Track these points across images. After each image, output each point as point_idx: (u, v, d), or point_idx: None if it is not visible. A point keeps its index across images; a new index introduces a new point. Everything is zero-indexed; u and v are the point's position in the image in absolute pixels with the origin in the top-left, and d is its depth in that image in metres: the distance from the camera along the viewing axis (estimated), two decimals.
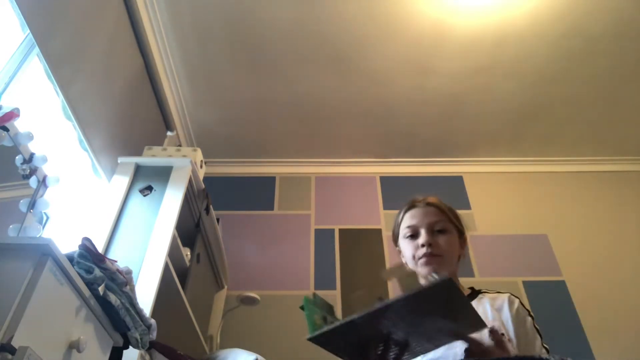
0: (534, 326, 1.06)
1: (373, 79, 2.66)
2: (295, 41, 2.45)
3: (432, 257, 1.11)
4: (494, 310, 1.07)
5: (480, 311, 1.05)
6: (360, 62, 2.56)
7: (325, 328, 0.77)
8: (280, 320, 2.47)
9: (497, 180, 3.17)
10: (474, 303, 1.08)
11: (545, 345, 1.04)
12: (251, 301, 2.35)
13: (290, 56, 2.53)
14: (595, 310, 2.53)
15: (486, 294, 1.14)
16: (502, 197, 3.08)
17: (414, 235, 1.17)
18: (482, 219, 2.93)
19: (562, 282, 2.65)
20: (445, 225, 1.17)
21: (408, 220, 1.20)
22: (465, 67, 2.59)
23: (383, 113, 2.88)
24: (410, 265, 1.17)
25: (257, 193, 3.09)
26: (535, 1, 2.27)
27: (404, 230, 1.20)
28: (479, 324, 0.81)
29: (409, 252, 1.16)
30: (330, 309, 0.84)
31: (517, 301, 1.10)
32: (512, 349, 0.97)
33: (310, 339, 0.78)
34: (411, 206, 1.23)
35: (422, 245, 1.13)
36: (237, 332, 2.44)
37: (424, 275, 1.12)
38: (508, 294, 1.12)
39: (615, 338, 2.43)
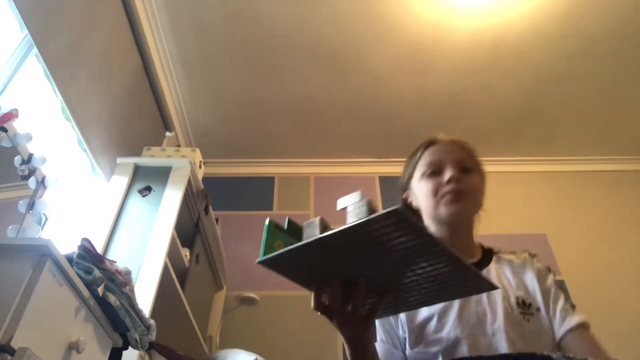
0: (555, 283, 0.94)
1: (372, 78, 2.66)
2: (294, 41, 2.45)
3: (461, 194, 0.94)
4: (516, 277, 0.94)
5: (503, 278, 0.93)
6: (359, 62, 2.56)
7: (276, 252, 0.65)
8: (280, 321, 2.47)
9: (496, 180, 3.16)
10: (491, 267, 0.96)
11: (572, 303, 0.91)
12: (250, 301, 2.35)
13: (289, 56, 2.53)
14: (595, 310, 2.52)
15: (502, 255, 1.01)
16: (501, 196, 3.07)
17: (435, 172, 0.97)
18: (481, 218, 2.91)
19: (562, 282, 2.65)
20: (474, 164, 1.00)
21: (429, 156, 1.00)
22: (464, 67, 2.59)
23: (382, 113, 2.88)
24: (426, 206, 0.98)
25: (256, 193, 3.08)
26: (534, 1, 2.27)
27: (422, 168, 0.99)
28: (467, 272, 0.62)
29: (427, 190, 0.96)
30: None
31: (535, 259, 0.99)
32: None
33: (261, 262, 0.65)
34: (432, 142, 1.04)
35: (449, 182, 0.94)
36: (237, 333, 2.43)
37: (446, 217, 0.95)
38: (526, 253, 1.00)
39: (615, 338, 2.42)
